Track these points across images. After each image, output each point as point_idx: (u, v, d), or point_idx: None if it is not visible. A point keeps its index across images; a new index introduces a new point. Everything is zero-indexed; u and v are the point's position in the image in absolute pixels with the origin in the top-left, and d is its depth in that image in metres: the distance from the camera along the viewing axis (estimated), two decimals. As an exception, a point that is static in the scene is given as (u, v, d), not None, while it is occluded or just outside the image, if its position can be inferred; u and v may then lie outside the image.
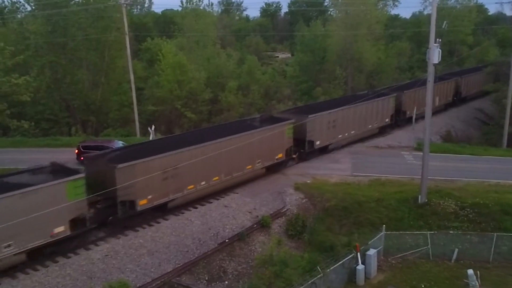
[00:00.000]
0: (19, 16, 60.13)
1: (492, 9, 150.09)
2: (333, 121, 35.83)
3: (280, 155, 31.61)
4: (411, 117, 42.74)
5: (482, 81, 58.76)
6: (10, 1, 61.45)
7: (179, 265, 22.82)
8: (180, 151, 25.24)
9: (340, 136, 37.13)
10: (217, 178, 27.56)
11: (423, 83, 40.55)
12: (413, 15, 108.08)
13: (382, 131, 42.36)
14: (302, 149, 33.96)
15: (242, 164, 28.87)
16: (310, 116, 33.27)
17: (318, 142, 34.87)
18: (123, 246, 22.81)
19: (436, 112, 45.90)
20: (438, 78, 46.95)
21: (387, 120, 42.13)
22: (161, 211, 25.56)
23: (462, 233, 26.07)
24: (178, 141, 27.48)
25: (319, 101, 49.41)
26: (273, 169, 31.97)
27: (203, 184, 26.89)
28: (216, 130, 30.66)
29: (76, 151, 33.56)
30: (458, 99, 54.42)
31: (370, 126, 40.27)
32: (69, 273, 20.58)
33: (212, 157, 26.08)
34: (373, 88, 59.45)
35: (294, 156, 33.28)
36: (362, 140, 40.30)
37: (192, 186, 26.26)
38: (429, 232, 26.01)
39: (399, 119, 43.70)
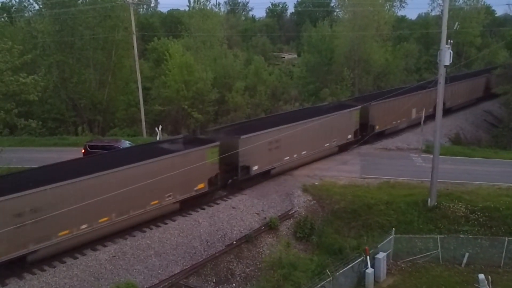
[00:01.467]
0: (26, 15, 60.18)
1: (499, 11, 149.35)
2: (276, 142, 30.25)
3: (201, 185, 26.57)
4: (383, 131, 40.26)
5: (470, 89, 54.41)
6: (17, 0, 61.59)
7: (186, 267, 22.70)
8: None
9: (287, 158, 31.60)
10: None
11: (399, 92, 39.89)
12: (419, 16, 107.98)
13: (345, 149, 36.87)
14: (235, 176, 28.84)
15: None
16: (243, 136, 28.25)
17: (255, 167, 29.49)
18: (131, 247, 22.66)
19: (412, 126, 43.49)
20: (417, 87, 43.63)
21: (349, 136, 36.69)
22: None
23: (473, 237, 25.69)
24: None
25: (261, 117, 45.92)
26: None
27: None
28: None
29: (83, 151, 33.44)
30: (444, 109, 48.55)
31: (327, 144, 34.75)
32: (76, 274, 20.46)
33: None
34: (380, 88, 59.35)
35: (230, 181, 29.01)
36: (320, 160, 34.90)
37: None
38: (439, 236, 25.68)
39: (367, 135, 38.21)
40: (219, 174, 27.51)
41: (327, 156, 35.65)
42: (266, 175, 30.89)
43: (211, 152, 26.75)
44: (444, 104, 43.35)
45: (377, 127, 39.41)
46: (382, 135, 40.77)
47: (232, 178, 28.90)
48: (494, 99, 55.68)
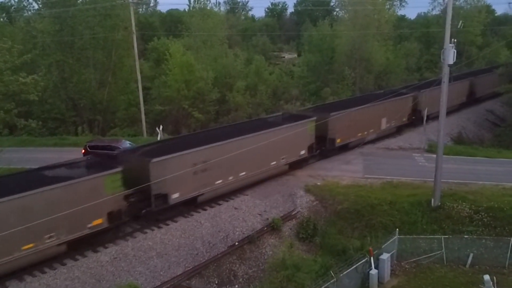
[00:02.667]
0: (26, 14, 59.96)
1: (499, 10, 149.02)
2: (203, 163, 25.58)
3: (98, 221, 21.88)
4: (346, 144, 36.14)
5: (451, 95, 48.08)
6: (16, 0, 61.32)
7: (189, 268, 22.45)
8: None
9: (220, 181, 26.83)
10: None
11: (365, 100, 37.93)
12: (419, 15, 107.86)
13: (298, 166, 32.76)
14: (148, 206, 23.86)
15: None
16: (154, 160, 23.47)
17: (175, 195, 24.61)
18: (132, 248, 22.43)
19: (384, 137, 40.37)
20: (390, 94, 40.13)
21: (302, 152, 32.11)
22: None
23: (477, 238, 25.45)
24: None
25: (189, 133, 41.52)
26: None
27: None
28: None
29: (83, 151, 33.18)
30: (416, 119, 43.22)
31: (273, 163, 30.08)
32: (77, 276, 20.22)
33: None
34: (381, 88, 59.07)
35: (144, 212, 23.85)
36: (268, 179, 30.72)
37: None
38: (443, 236, 25.44)
39: (325, 149, 34.56)
40: (129, 205, 23.31)
41: (277, 175, 31.23)
42: (193, 203, 26.36)
43: (112, 179, 22.18)
44: (420, 112, 41.75)
45: (338, 140, 34.86)
46: (346, 149, 36.42)
47: (145, 208, 23.93)
48: (478, 104, 54.85)
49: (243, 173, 28.31)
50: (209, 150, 25.86)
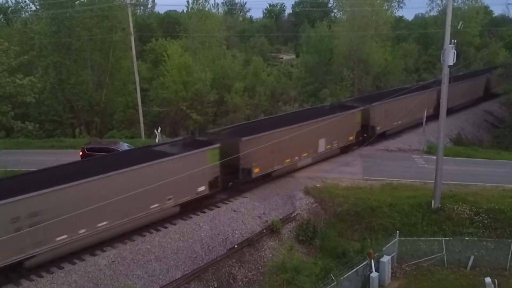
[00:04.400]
0: (23, 15, 59.70)
1: (496, 11, 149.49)
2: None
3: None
4: (269, 174, 29.95)
5: (418, 106, 41.36)
6: (13, 1, 61.06)
7: (187, 272, 22.24)
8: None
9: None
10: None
11: (296, 118, 32.20)
12: (416, 16, 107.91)
13: (191, 205, 26.18)
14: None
15: None
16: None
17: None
18: (130, 251, 22.18)
19: (325, 160, 34.54)
20: (337, 108, 36.48)
21: (201, 189, 25.74)
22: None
23: (478, 240, 25.34)
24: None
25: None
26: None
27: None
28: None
29: (81, 153, 32.98)
30: (368, 137, 37.94)
31: (153, 206, 23.41)
32: (75, 280, 19.96)
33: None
34: (379, 89, 59.00)
35: None
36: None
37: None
38: (443, 238, 25.32)
39: (238, 182, 28.42)
40: None
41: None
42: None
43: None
44: (373, 128, 37.83)
45: (255, 170, 28.46)
46: (268, 177, 30.43)
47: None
48: (452, 114, 47.11)
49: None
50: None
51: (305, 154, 32.30)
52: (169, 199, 24.19)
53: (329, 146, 34.05)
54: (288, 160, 30.83)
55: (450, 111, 42.30)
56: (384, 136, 40.23)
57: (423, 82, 50.08)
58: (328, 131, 32.95)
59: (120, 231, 22.69)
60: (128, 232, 23.04)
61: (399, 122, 41.13)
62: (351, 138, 36.22)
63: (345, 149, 36.31)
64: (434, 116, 42.30)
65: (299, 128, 30.39)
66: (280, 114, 40.67)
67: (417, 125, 42.71)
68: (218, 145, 26.44)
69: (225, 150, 26.52)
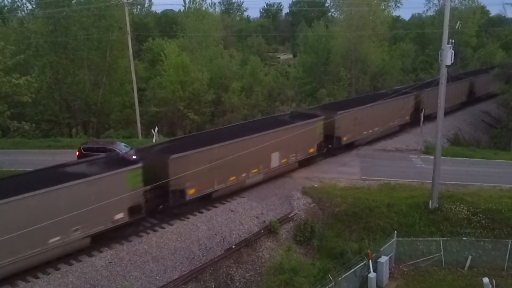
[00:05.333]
0: (19, 15, 59.42)
1: (493, 11, 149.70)
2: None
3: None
4: (209, 195, 26.46)
5: (391, 113, 39.40)
6: (9, 0, 60.80)
7: (185, 272, 22.13)
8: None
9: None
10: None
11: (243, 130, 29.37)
12: (413, 16, 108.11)
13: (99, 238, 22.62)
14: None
15: None
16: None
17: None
18: (128, 252, 22.06)
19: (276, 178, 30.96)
20: (298, 117, 33.21)
21: (119, 217, 22.29)
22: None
23: (475, 240, 25.33)
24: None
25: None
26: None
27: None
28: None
29: (77, 153, 32.78)
30: (333, 148, 35.21)
31: (53, 240, 19.90)
32: (71, 281, 19.83)
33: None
34: (376, 89, 58.98)
35: None
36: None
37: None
38: (441, 238, 25.31)
39: (169, 205, 24.79)
40: None
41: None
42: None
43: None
44: (339, 139, 34.56)
45: (189, 191, 25.05)
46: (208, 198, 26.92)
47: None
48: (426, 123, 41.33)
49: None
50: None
51: (255, 171, 28.54)
52: (76, 230, 20.65)
53: (284, 160, 30.55)
54: (233, 178, 27.18)
55: (428, 118, 41.70)
56: (353, 147, 36.73)
57: (400, 87, 47.56)
58: (283, 144, 28.98)
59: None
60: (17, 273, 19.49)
61: (370, 131, 37.48)
62: (311, 150, 32.60)
63: (305, 163, 32.83)
64: (410, 124, 42.16)
65: (244, 142, 27.04)
66: (229, 126, 36.15)
67: (393, 133, 40.81)
68: (139, 164, 23.05)
69: (151, 170, 23.52)
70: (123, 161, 23.80)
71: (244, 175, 28.03)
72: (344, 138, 35.37)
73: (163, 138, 39.32)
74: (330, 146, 34.62)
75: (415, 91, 41.79)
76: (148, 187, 23.45)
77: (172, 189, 24.27)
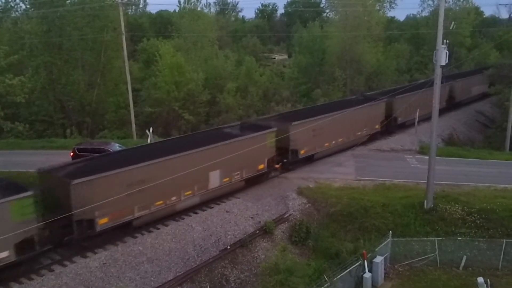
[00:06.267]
0: (13, 15, 59.10)
1: (487, 12, 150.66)
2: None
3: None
4: (130, 222, 22.97)
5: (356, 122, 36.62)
6: (3, 0, 60.40)
7: (180, 273, 22.04)
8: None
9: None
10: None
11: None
12: (407, 17, 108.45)
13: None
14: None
15: None
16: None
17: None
18: (122, 253, 21.95)
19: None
20: (248, 128, 29.96)
21: (3, 256, 18.84)
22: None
23: (470, 240, 25.38)
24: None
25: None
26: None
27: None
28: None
29: (71, 154, 32.61)
30: (288, 163, 31.93)
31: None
32: (65, 282, 19.71)
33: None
34: (371, 89, 59.00)
35: None
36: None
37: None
38: (436, 238, 25.34)
39: (74, 238, 21.26)
40: None
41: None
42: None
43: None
44: (295, 152, 31.50)
45: (101, 220, 21.60)
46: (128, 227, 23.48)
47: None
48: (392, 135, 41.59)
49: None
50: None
51: (188, 193, 25.10)
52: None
53: (227, 179, 27.04)
54: (159, 203, 23.74)
55: (403, 126, 41.76)
56: (312, 160, 33.78)
57: (371, 93, 45.16)
58: (225, 161, 25.55)
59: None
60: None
61: (333, 142, 34.76)
62: (260, 166, 29.19)
63: (254, 181, 29.46)
64: (381, 133, 39.89)
65: (173, 162, 23.68)
66: (165, 140, 32.62)
67: (361, 143, 37.62)
68: (29, 193, 19.45)
69: (48, 197, 20.84)
70: (9, 189, 19.66)
71: (174, 198, 24.42)
72: (302, 151, 32.03)
73: (158, 139, 39.17)
74: (285, 160, 31.23)
75: (386, 97, 39.31)
76: (42, 219, 19.72)
77: (77, 219, 20.57)
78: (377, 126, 39.29)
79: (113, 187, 21.39)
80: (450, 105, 51.36)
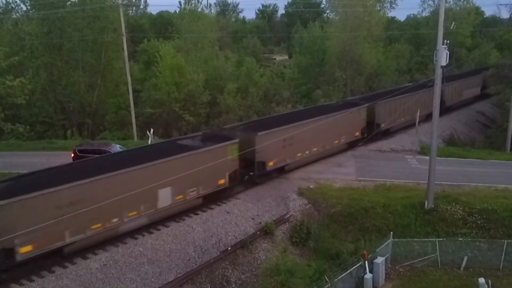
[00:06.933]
0: (14, 16, 59.22)
1: (487, 12, 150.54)
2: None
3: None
4: (61, 249, 20.54)
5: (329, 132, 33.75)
6: (4, 2, 60.53)
7: (180, 274, 22.02)
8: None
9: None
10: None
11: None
12: (408, 17, 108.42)
13: None
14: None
15: None
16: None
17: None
18: (123, 254, 21.94)
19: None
20: (209, 139, 27.86)
21: None
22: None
23: (471, 240, 25.37)
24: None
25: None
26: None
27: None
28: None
29: (72, 155, 32.64)
30: (254, 176, 29.55)
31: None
32: (66, 284, 19.70)
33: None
34: (372, 89, 59.02)
35: None
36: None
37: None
38: (437, 239, 25.34)
39: None
40: None
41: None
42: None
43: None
44: (262, 164, 29.05)
45: (23, 249, 19.07)
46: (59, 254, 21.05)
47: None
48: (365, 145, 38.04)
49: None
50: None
51: (133, 213, 22.63)
52: None
53: (180, 197, 24.61)
54: (96, 226, 21.27)
55: (387, 132, 40.02)
56: (282, 171, 31.49)
57: (351, 98, 44.15)
58: (177, 177, 23.30)
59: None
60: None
61: (307, 152, 32.48)
62: (221, 181, 26.80)
63: (214, 197, 27.02)
64: (362, 140, 36.84)
65: (111, 180, 21.42)
66: (116, 153, 29.71)
67: (339, 152, 35.85)
68: None
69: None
70: None
71: (115, 220, 21.94)
72: (270, 163, 29.56)
73: (159, 140, 39.15)
74: (251, 173, 28.99)
75: (367, 102, 37.44)
76: None
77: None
78: (357, 134, 36.77)
79: (35, 212, 19.00)
80: (440, 110, 46.83)
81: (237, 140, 27.47)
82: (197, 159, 24.72)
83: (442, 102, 43.63)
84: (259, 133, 28.53)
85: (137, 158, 23.66)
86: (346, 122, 35.13)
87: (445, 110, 47.33)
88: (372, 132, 36.76)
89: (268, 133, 28.91)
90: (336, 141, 35.18)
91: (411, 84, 47.51)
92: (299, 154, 32.02)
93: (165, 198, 23.82)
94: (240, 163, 27.81)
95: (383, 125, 38.47)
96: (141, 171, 22.49)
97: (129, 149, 28.97)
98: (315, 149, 33.24)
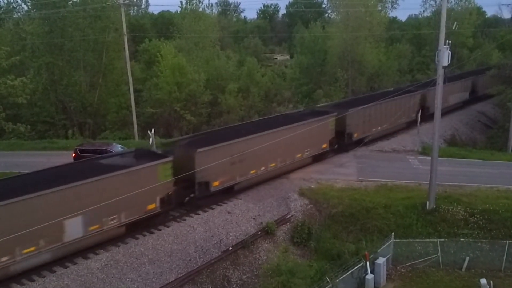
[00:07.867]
0: (15, 16, 59.30)
1: (489, 12, 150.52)
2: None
3: None
4: None
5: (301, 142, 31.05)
6: (5, 1, 60.61)
7: (181, 275, 21.98)
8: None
9: (253, 171, 26.87)
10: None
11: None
12: (409, 17, 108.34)
13: None
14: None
15: None
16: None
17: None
18: (124, 254, 21.90)
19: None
20: (139, 158, 24.58)
21: None
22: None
23: (473, 241, 25.29)
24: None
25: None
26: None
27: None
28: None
29: (73, 154, 32.64)
30: (196, 198, 25.87)
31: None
32: (67, 284, 19.67)
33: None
34: (373, 90, 58.96)
35: None
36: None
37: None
38: (438, 239, 25.28)
39: None
40: None
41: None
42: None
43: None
44: (205, 184, 25.45)
45: None
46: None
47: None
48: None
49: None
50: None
51: (30, 249, 19.02)
52: None
53: (95, 227, 21.03)
54: None
55: (360, 142, 37.25)
56: (232, 191, 27.82)
57: (322, 105, 41.37)
58: (90, 205, 19.88)
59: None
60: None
61: (262, 169, 28.79)
62: (150, 206, 23.15)
63: (142, 223, 23.43)
64: (334, 151, 34.99)
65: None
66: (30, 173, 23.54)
67: (304, 166, 32.73)
68: None
69: None
70: None
71: (6, 259, 18.38)
72: (215, 183, 25.95)
73: (160, 140, 39.09)
74: (191, 195, 25.43)
75: (337, 110, 34.45)
76: None
77: None
78: (324, 146, 33.39)
79: None
80: (424, 118, 42.29)
81: (170, 159, 23.89)
82: (119, 181, 21.40)
83: (425, 108, 43.27)
84: (199, 150, 24.82)
85: (40, 183, 20.06)
86: (311, 133, 31.11)
87: (429, 116, 39.92)
88: (343, 143, 34.40)
89: (211, 149, 25.33)
90: (299, 155, 31.47)
91: (391, 89, 45.50)
92: (252, 171, 28.14)
93: (74, 229, 20.13)
94: (177, 184, 24.37)
95: (355, 135, 35.73)
96: (39, 200, 18.79)
97: (38, 170, 23.14)
98: (273, 164, 29.44)
